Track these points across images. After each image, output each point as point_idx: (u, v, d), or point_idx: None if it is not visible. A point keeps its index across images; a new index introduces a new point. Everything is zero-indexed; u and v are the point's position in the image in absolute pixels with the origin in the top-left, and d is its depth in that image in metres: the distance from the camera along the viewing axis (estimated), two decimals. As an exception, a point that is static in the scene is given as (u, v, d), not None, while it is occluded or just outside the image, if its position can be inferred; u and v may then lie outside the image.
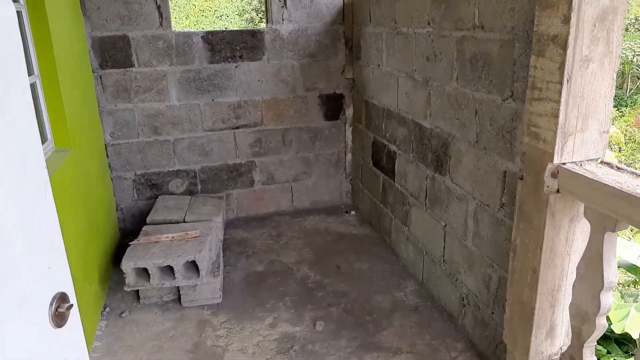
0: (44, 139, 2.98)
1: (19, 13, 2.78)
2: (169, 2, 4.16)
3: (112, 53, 4.09)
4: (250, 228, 4.54)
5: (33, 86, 2.90)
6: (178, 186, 4.53)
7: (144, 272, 3.24)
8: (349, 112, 4.80)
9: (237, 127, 4.55)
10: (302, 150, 4.79)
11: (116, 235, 4.26)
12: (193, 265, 3.29)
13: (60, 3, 3.21)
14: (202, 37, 4.27)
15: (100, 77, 4.11)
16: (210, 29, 15.19)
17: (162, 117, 4.33)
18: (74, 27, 3.62)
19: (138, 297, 3.36)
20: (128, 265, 3.16)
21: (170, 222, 3.79)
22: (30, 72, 2.87)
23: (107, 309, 3.31)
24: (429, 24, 3.06)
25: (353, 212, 4.83)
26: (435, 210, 3.22)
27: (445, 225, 3.10)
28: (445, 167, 3.03)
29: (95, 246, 3.39)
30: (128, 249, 3.32)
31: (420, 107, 3.31)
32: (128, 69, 4.16)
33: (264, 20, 4.64)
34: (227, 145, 4.57)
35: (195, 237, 3.45)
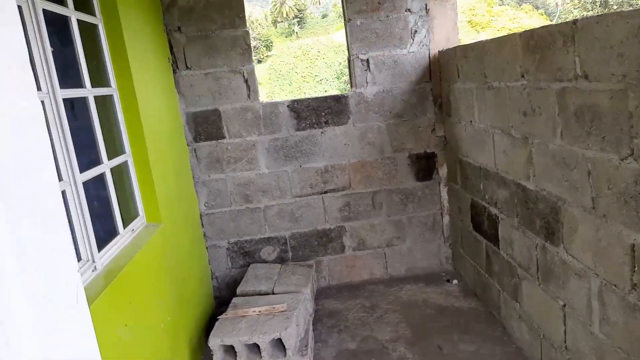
0: (135, 215, 3.08)
1: (110, 97, 2.97)
2: (255, 75, 4.29)
3: (205, 126, 4.27)
4: (342, 298, 4.32)
5: (124, 164, 3.04)
6: (269, 253, 4.49)
7: (231, 349, 3.14)
8: (443, 171, 4.51)
9: (325, 192, 4.46)
10: (393, 214, 4.55)
11: (211, 305, 4.27)
12: (280, 343, 3.13)
13: (150, 85, 3.40)
14: (287, 106, 4.32)
15: (195, 150, 4.29)
16: (296, 97, 15.75)
17: (252, 185, 4.38)
18: (167, 105, 3.83)
19: (226, 375, 3.26)
20: (215, 342, 3.08)
21: (260, 294, 3.70)
22: (121, 152, 3.02)
23: (196, 387, 3.24)
24: (522, 76, 2.76)
25: (455, 281, 4.41)
26: (550, 285, 2.77)
27: (565, 305, 2.64)
28: (558, 235, 2.61)
29: (185, 320, 3.38)
30: (216, 323, 3.26)
31: (521, 167, 2.96)
32: (220, 140, 4.30)
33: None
34: (316, 211, 4.48)
35: (282, 311, 3.32)
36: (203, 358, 3.54)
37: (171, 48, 4.15)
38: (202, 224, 4.39)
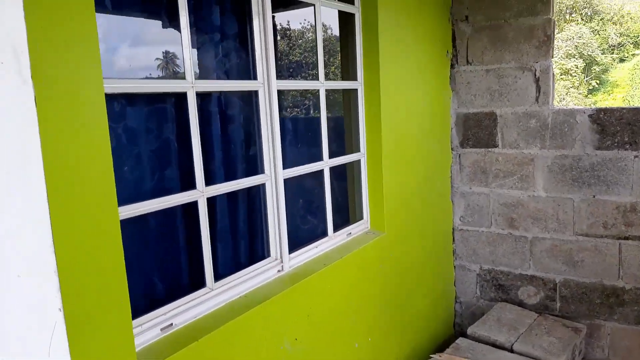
0: (357, 218, 2.87)
1: (355, 90, 2.79)
2: (552, 74, 3.41)
3: (475, 131, 3.68)
4: (621, 385, 3.10)
5: (357, 163, 2.84)
6: (530, 295, 3.60)
7: (433, 400, 2.62)
8: None
9: (626, 238, 3.23)
10: None
11: (445, 332, 3.75)
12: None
13: (405, 81, 3.06)
14: (589, 115, 3.28)
15: (459, 157, 3.76)
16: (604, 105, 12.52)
17: (521, 208, 3.56)
18: (433, 104, 3.44)
19: None
20: (414, 385, 2.62)
21: (493, 345, 2.98)
22: (356, 150, 2.83)
23: None
24: None
25: None
26: None
27: None
28: None
29: (397, 344, 3.01)
30: (425, 363, 2.78)
31: None
32: (490, 149, 3.64)
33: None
34: (606, 259, 3.31)
35: (509, 380, 2.56)
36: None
37: (454, 40, 3.71)
38: (454, 240, 3.85)
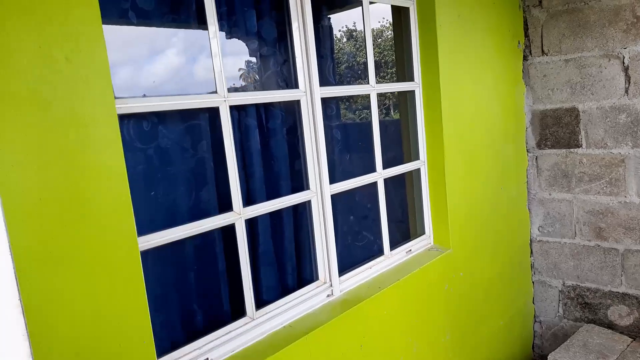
0: (418, 233, 2.61)
1: (412, 92, 2.54)
2: (645, 59, 2.95)
3: (554, 129, 3.28)
4: None
5: (416, 172, 2.59)
6: (622, 316, 3.15)
7: None
8: None
9: None
10: None
11: (526, 355, 3.38)
12: None
13: (469, 79, 2.75)
14: (694, 105, 2.80)
15: (536, 159, 3.38)
16: None
17: (610, 216, 3.12)
18: (504, 101, 3.10)
19: None
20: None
21: (579, 375, 2.61)
22: (415, 157, 2.58)
23: None
24: None
25: None
26: None
27: None
28: None
29: (467, 372, 2.72)
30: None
31: None
32: (572, 149, 3.23)
33: None
34: None
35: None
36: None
37: (526, 29, 3.33)
38: (532, 253, 3.46)
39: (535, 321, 3.53)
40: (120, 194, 1.25)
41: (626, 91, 2.99)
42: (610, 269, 3.16)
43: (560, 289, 3.39)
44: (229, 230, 1.75)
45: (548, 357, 2.79)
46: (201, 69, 1.73)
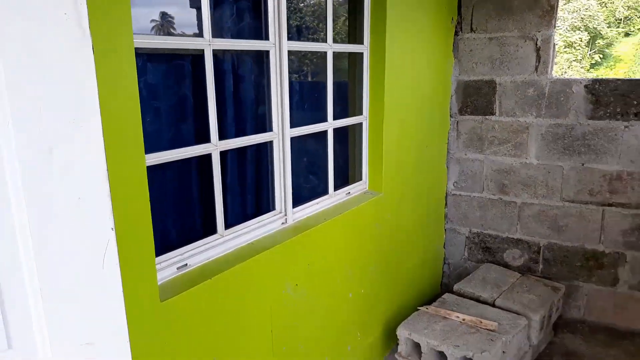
0: (356, 179, 3.02)
1: (361, 54, 2.88)
2: (552, 44, 3.49)
3: (474, 98, 3.79)
4: (592, 341, 3.35)
5: (359, 126, 2.97)
6: (515, 258, 3.82)
7: (419, 346, 2.85)
8: None
9: (610, 205, 3.42)
10: None
11: (433, 290, 3.98)
12: (473, 364, 2.65)
13: (409, 47, 3.14)
14: (585, 85, 3.40)
15: (457, 123, 3.89)
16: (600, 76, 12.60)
17: (513, 174, 3.73)
18: (434, 71, 3.53)
19: (412, 370, 2.99)
20: (403, 333, 2.84)
21: (477, 300, 3.20)
22: (359, 113, 2.95)
23: (380, 368, 3.11)
24: None
25: None
26: None
27: None
28: None
29: (389, 298, 3.23)
30: (413, 314, 2.99)
31: None
32: (487, 116, 3.76)
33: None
34: (589, 225, 3.50)
35: (490, 330, 2.78)
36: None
37: (459, 8, 3.76)
38: (446, 204, 4.03)
39: (445, 263, 4.14)
40: (134, 117, 1.50)
41: (536, 69, 3.54)
42: (508, 218, 3.79)
43: (467, 236, 4.00)
44: (205, 160, 2.03)
45: (454, 287, 3.36)
46: (188, 14, 1.95)
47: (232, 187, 2.26)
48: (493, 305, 3.13)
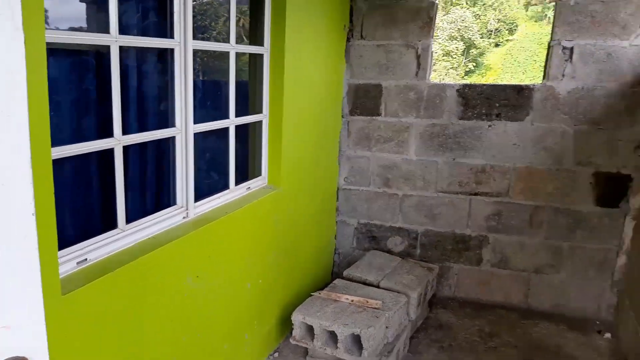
0: (256, 174, 3.17)
1: (261, 55, 3.03)
2: (430, 52, 3.93)
3: (363, 100, 4.13)
4: (461, 314, 3.87)
5: (259, 124, 3.12)
6: (397, 244, 4.24)
7: (313, 329, 3.08)
8: (636, 201, 3.57)
9: (476, 194, 3.95)
10: (553, 237, 3.81)
11: (327, 277, 4.27)
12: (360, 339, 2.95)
13: (307, 50, 3.36)
14: (457, 90, 3.88)
15: (348, 123, 4.20)
16: (471, 82, 14.27)
17: (396, 169, 4.13)
18: (329, 74, 3.78)
19: (307, 354, 3.23)
20: (297, 317, 3.06)
21: (364, 283, 3.53)
22: (259, 111, 3.10)
23: (276, 354, 3.29)
24: None
25: (608, 335, 3.56)
26: None
27: None
28: None
29: (285, 287, 3.43)
30: (307, 299, 3.23)
31: None
32: (374, 117, 4.12)
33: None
34: (458, 212, 4.02)
35: (375, 308, 3.10)
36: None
37: (351, 16, 4.05)
38: (337, 198, 4.34)
39: (336, 252, 4.46)
40: (43, 110, 1.51)
41: (416, 74, 3.95)
42: (391, 209, 4.19)
43: (355, 227, 4.34)
44: (107, 155, 2.05)
45: (344, 273, 3.67)
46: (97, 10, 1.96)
47: (134, 182, 2.29)
48: (378, 286, 3.48)
